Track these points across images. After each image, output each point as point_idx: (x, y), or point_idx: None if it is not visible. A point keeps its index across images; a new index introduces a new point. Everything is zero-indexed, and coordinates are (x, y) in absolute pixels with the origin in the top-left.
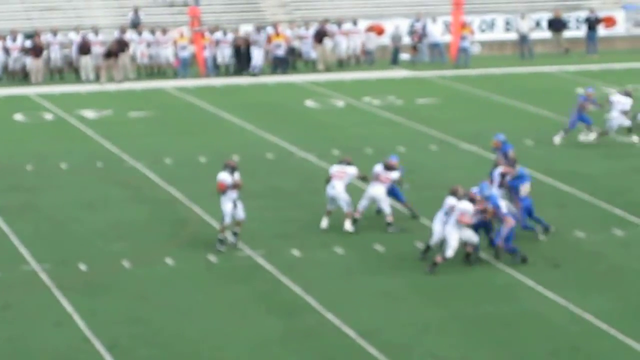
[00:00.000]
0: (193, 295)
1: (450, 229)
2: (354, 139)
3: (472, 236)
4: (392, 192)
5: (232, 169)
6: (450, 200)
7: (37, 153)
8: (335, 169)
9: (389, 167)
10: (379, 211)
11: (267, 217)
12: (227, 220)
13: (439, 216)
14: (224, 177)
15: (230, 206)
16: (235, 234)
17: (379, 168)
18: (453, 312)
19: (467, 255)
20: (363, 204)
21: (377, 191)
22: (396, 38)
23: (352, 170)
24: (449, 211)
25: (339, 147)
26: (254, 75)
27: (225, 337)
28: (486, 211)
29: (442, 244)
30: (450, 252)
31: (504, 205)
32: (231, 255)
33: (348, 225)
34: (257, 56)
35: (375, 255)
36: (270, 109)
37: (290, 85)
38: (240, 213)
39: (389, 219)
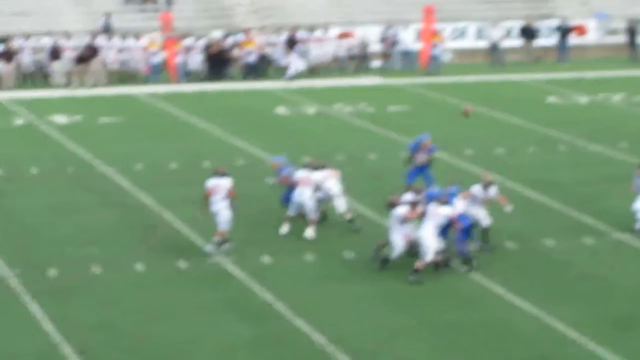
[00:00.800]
0: (163, 301)
1: (426, 234)
2: (325, 146)
3: (440, 242)
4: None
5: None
6: (401, 210)
7: (7, 158)
8: (300, 174)
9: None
10: (324, 217)
11: (238, 223)
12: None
13: (395, 228)
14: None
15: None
16: (218, 243)
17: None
18: (423, 319)
19: (436, 264)
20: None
21: (332, 187)
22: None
23: (317, 177)
24: (403, 221)
25: (309, 154)
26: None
27: (194, 343)
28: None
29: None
30: (430, 256)
31: (460, 207)
32: (201, 261)
33: (311, 233)
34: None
35: (345, 262)
36: (241, 116)
37: (261, 92)
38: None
39: (348, 216)
